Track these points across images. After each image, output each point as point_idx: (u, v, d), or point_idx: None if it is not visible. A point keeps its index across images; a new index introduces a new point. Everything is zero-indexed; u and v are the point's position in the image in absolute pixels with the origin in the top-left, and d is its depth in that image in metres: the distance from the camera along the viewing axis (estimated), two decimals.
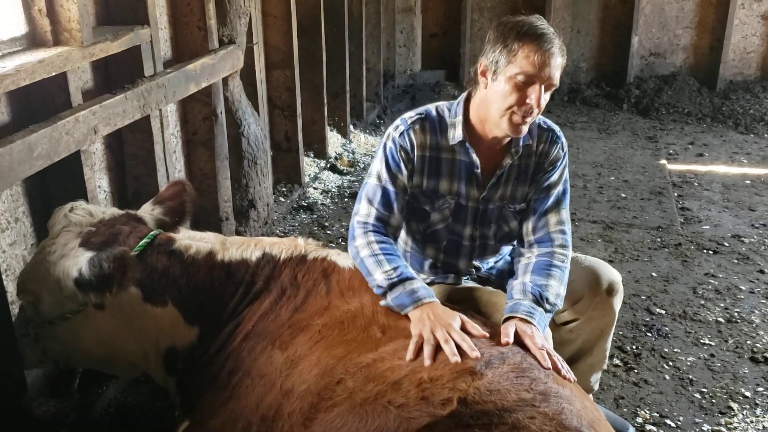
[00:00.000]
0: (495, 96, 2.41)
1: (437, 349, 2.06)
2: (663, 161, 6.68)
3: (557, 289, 2.45)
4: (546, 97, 2.38)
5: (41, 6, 2.72)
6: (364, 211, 2.56)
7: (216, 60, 3.71)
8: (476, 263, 2.78)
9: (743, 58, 8.57)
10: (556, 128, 2.66)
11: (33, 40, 2.77)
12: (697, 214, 5.46)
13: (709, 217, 5.42)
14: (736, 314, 4.05)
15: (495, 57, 2.37)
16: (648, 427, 3.16)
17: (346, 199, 5.61)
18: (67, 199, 2.60)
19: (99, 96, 2.96)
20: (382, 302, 2.33)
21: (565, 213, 2.63)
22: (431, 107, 2.62)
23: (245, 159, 4.31)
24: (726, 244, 4.94)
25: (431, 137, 2.57)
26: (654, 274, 4.52)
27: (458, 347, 2.06)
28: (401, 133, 2.56)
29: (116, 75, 3.21)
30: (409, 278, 2.35)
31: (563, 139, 2.65)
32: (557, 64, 2.34)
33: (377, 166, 2.59)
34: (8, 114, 2.71)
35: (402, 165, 2.55)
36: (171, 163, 3.50)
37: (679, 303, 4.17)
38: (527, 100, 2.34)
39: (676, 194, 5.89)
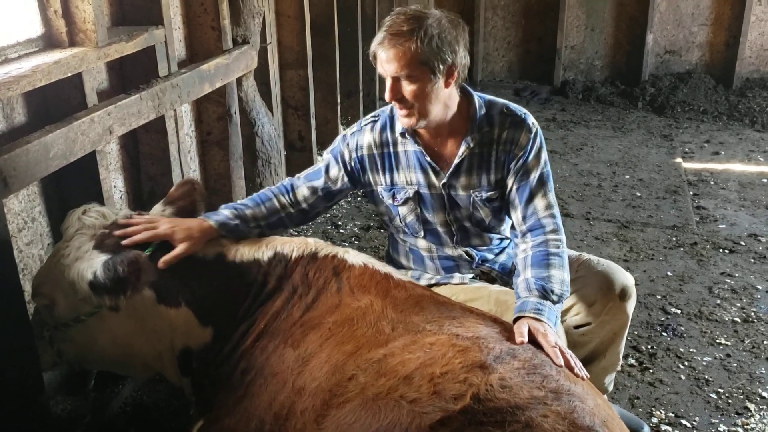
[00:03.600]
0: None
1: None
2: (678, 160, 6.63)
3: (560, 277, 2.45)
4: (415, 92, 2.43)
5: (57, 7, 2.74)
6: (300, 174, 2.85)
7: (230, 60, 3.72)
8: (464, 249, 2.78)
9: (760, 55, 8.49)
10: (520, 112, 2.64)
11: (49, 41, 2.80)
12: (713, 213, 5.42)
13: (725, 216, 5.37)
14: (752, 314, 4.01)
15: None
16: (663, 427, 3.14)
17: (359, 198, 5.61)
18: (82, 200, 2.62)
19: (114, 96, 2.99)
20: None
21: (552, 196, 2.62)
22: (387, 107, 2.73)
23: (259, 158, 4.32)
24: (742, 243, 4.90)
25: (381, 134, 2.70)
26: (669, 273, 4.49)
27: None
28: (353, 133, 2.77)
29: (131, 75, 3.24)
30: (230, 208, 2.65)
31: (530, 120, 2.62)
32: (401, 57, 2.39)
33: (326, 153, 2.83)
34: (25, 115, 2.73)
35: (339, 161, 2.75)
36: (186, 163, 3.52)
37: (694, 302, 4.14)
38: (386, 93, 2.48)
39: (691, 193, 5.85)
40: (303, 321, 2.36)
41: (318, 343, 2.24)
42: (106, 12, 3.10)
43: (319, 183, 2.77)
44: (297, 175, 2.85)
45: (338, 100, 6.17)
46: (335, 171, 2.76)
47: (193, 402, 2.54)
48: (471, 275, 2.81)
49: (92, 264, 2.32)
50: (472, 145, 2.59)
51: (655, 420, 3.18)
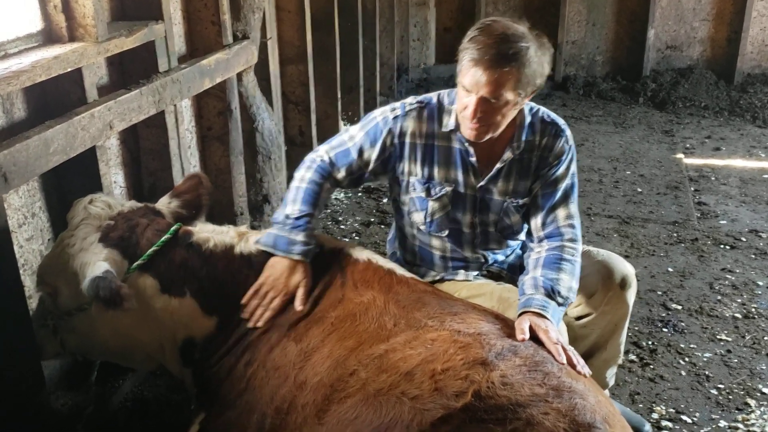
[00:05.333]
0: (457, 94, 2.48)
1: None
2: (679, 155, 6.63)
3: (569, 283, 2.44)
4: (499, 111, 2.36)
5: (56, 2, 2.73)
6: (321, 150, 2.73)
7: (230, 55, 3.71)
8: (482, 252, 2.77)
9: (761, 51, 8.47)
10: (561, 122, 2.64)
11: (48, 36, 2.79)
12: (714, 209, 5.41)
13: (726, 211, 5.37)
14: (753, 310, 4.01)
15: (459, 57, 2.41)
16: (664, 423, 3.14)
17: (359, 194, 5.61)
18: (82, 195, 2.62)
19: (114, 92, 2.98)
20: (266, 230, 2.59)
21: (574, 207, 2.62)
22: (434, 94, 2.66)
23: (259, 154, 4.32)
24: (743, 239, 4.90)
25: (427, 125, 2.60)
26: (670, 269, 4.48)
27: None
28: (396, 117, 2.62)
29: (131, 70, 3.23)
30: (300, 228, 2.55)
31: (568, 133, 2.63)
32: (501, 83, 2.29)
33: (357, 130, 2.69)
34: (24, 110, 2.73)
35: (378, 144, 2.62)
36: (186, 159, 3.51)
37: (695, 298, 4.14)
38: (466, 109, 2.38)
39: (692, 189, 5.84)
40: (306, 315, 2.37)
41: (320, 338, 2.24)
42: (106, 7, 3.09)
43: (353, 166, 2.68)
44: (323, 151, 2.72)
45: (339, 96, 6.15)
46: (369, 154, 2.65)
47: (194, 394, 2.55)
48: (476, 273, 2.81)
49: (92, 263, 2.33)
50: (517, 151, 2.57)
51: (655, 416, 3.18)
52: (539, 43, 2.36)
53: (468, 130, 2.45)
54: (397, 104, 2.67)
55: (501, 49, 2.27)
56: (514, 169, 2.60)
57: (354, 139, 2.68)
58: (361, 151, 2.66)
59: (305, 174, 2.69)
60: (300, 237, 2.53)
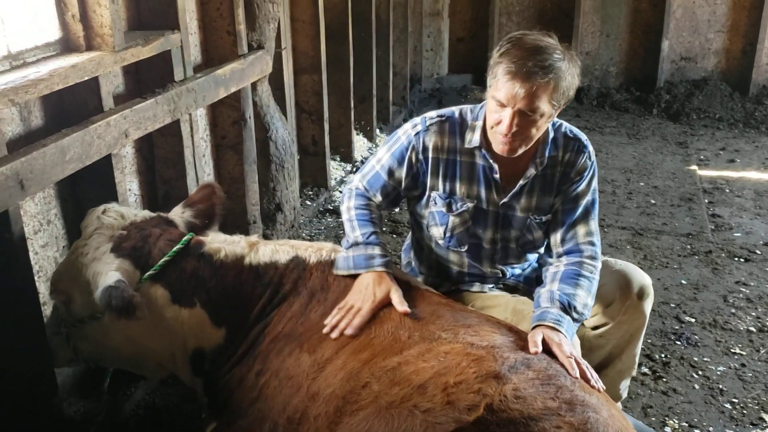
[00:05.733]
0: (488, 109, 2.46)
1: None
2: (693, 167, 6.59)
3: (585, 300, 2.43)
4: (534, 124, 2.34)
5: (74, 11, 2.76)
6: (356, 181, 2.76)
7: (245, 65, 3.74)
8: (500, 267, 2.76)
9: None
10: (583, 137, 2.63)
11: (66, 45, 2.82)
12: (728, 221, 5.37)
13: (741, 224, 5.33)
14: None
15: (490, 72, 2.39)
16: None
17: None
18: (98, 203, 2.64)
19: (130, 100, 3.00)
20: (338, 255, 2.55)
21: (594, 224, 2.60)
22: (456, 109, 2.64)
23: (273, 163, 4.33)
24: (758, 251, 4.86)
25: (449, 140, 2.59)
26: (684, 281, 4.45)
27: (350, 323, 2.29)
28: (417, 133, 2.61)
29: (147, 79, 3.25)
30: (373, 244, 2.54)
31: (590, 149, 2.62)
32: (538, 95, 2.28)
33: (383, 152, 2.69)
34: (42, 118, 2.75)
35: (405, 162, 2.63)
36: (200, 167, 3.53)
37: (709, 311, 4.11)
38: (500, 123, 2.36)
39: (706, 201, 5.80)
40: (320, 326, 2.37)
41: (334, 349, 2.24)
42: (123, 16, 3.12)
43: (387, 188, 2.69)
44: (357, 181, 2.74)
45: (352, 105, 6.17)
46: (399, 173, 2.65)
47: (205, 404, 2.55)
48: (491, 285, 2.80)
49: (104, 272, 2.34)
50: (540, 168, 2.55)
51: (668, 429, 3.15)
52: (570, 55, 2.37)
53: (500, 144, 2.43)
54: (418, 119, 2.66)
55: (537, 61, 2.26)
56: (537, 185, 2.59)
57: (381, 161, 2.68)
58: (390, 172, 2.66)
59: (348, 204, 2.71)
60: (376, 251, 2.52)
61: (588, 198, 2.60)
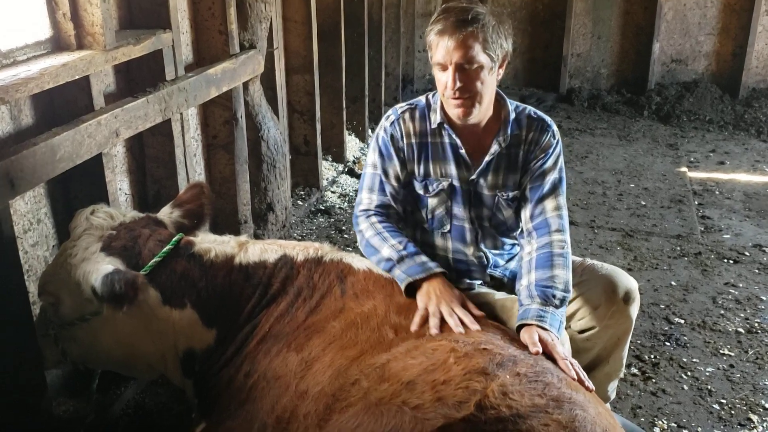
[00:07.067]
0: (436, 81, 2.56)
1: (442, 322, 2.27)
2: (684, 169, 6.63)
3: (564, 277, 2.46)
4: (477, 77, 2.43)
5: (65, 10, 2.76)
6: (365, 200, 2.74)
7: (237, 64, 3.74)
8: (483, 250, 2.79)
9: (767, 65, 8.48)
10: (547, 119, 2.70)
11: (57, 44, 2.82)
12: (718, 223, 5.41)
13: (730, 226, 5.36)
14: (756, 324, 4.00)
15: (427, 46, 2.53)
16: None
17: None
18: (88, 202, 2.63)
19: (121, 99, 3.00)
20: (391, 274, 2.50)
21: (562, 199, 2.65)
22: (422, 97, 2.75)
23: (264, 162, 4.33)
24: (747, 253, 4.89)
25: (420, 124, 2.69)
26: (673, 282, 4.48)
27: (461, 321, 2.26)
28: (391, 123, 2.71)
29: (138, 79, 3.25)
30: (417, 252, 2.55)
31: (554, 128, 2.69)
32: (469, 44, 2.38)
33: (372, 156, 2.75)
34: (32, 117, 2.75)
35: (393, 153, 2.69)
36: (191, 167, 3.53)
37: (698, 312, 4.13)
38: (446, 87, 2.47)
39: (696, 202, 5.84)
40: (307, 325, 2.37)
41: (321, 347, 2.24)
42: (114, 15, 3.11)
43: (394, 188, 2.71)
44: (365, 202, 2.74)
45: (344, 105, 6.18)
46: (394, 168, 2.70)
47: (195, 404, 2.55)
48: (479, 282, 2.81)
49: (97, 269, 2.33)
50: (503, 145, 2.62)
51: (657, 430, 3.17)
52: (495, 13, 2.50)
53: (454, 109, 2.52)
54: (390, 111, 2.76)
55: (461, 15, 2.40)
56: (503, 163, 2.65)
57: (376, 165, 2.73)
58: (386, 172, 2.71)
59: (369, 226, 2.67)
60: (423, 257, 2.53)
61: (555, 175, 2.64)
